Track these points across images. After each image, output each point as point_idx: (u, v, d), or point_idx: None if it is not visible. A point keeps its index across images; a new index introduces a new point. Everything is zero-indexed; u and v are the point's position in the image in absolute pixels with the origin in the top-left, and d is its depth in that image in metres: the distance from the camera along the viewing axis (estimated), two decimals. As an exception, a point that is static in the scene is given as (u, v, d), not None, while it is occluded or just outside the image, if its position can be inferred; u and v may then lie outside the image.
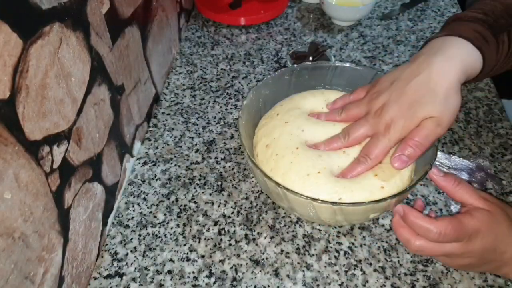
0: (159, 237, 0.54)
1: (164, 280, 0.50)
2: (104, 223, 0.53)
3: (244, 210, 0.56)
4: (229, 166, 0.62)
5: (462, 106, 0.70)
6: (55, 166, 0.40)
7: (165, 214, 0.56)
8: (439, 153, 0.60)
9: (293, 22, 0.91)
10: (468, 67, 0.47)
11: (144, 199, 0.58)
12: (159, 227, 0.55)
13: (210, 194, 0.58)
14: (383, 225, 0.55)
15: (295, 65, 0.60)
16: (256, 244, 0.53)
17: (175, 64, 0.80)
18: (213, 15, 0.89)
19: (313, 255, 0.52)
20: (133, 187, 0.59)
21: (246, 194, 0.58)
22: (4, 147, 0.32)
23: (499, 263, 0.44)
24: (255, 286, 0.49)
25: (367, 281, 0.49)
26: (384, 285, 0.49)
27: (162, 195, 0.58)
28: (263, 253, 0.52)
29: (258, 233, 0.54)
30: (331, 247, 0.52)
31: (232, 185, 0.59)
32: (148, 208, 0.57)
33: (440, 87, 0.45)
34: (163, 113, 0.70)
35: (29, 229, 0.36)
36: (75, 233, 0.45)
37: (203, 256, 0.52)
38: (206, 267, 0.51)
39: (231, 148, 0.64)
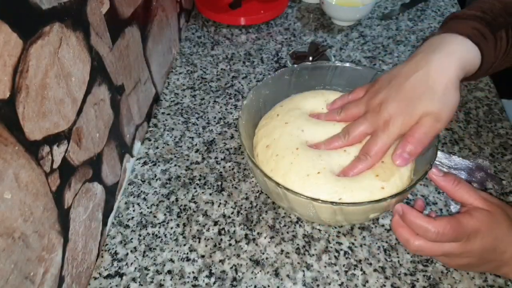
0: (159, 237, 0.54)
1: (164, 280, 0.50)
2: (104, 223, 0.53)
3: (244, 210, 0.56)
4: (229, 166, 0.62)
5: (462, 106, 0.71)
6: (55, 166, 0.40)
7: (165, 214, 0.56)
8: (439, 153, 0.60)
9: (293, 22, 0.91)
10: (467, 64, 0.47)
11: (144, 199, 0.58)
12: (159, 227, 0.55)
13: (210, 194, 0.58)
14: (383, 225, 0.55)
15: (295, 65, 0.60)
16: (256, 244, 0.53)
17: (175, 64, 0.80)
18: (213, 15, 0.89)
19: (313, 255, 0.52)
20: (133, 187, 0.59)
21: (246, 194, 0.58)
22: (4, 147, 0.32)
23: (499, 263, 0.44)
24: (255, 286, 0.49)
25: (367, 281, 0.49)
26: (384, 285, 0.49)
27: (162, 195, 0.58)
28: (263, 253, 0.52)
29: (258, 233, 0.54)
30: (331, 247, 0.52)
31: (232, 185, 0.59)
32: (148, 208, 0.57)
33: (439, 84, 0.45)
34: (163, 113, 0.70)
35: (29, 229, 0.36)
36: (75, 233, 0.45)
37: (203, 256, 0.52)
38: (206, 267, 0.51)
39: (231, 148, 0.64)
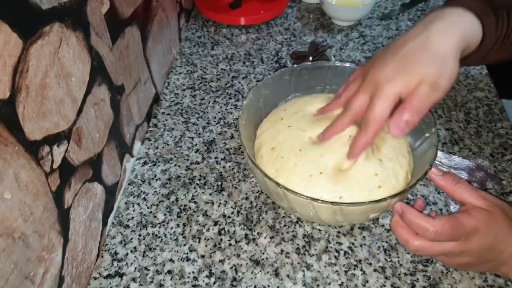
0: (159, 237, 0.54)
1: (164, 280, 0.50)
2: (104, 223, 0.53)
3: (244, 210, 0.56)
4: (229, 166, 0.62)
5: (462, 106, 0.71)
6: (55, 166, 0.40)
7: (165, 214, 0.56)
8: (439, 153, 0.60)
9: (293, 22, 0.91)
10: (468, 36, 0.46)
11: (144, 199, 0.58)
12: (159, 227, 0.55)
13: (210, 194, 0.58)
14: (383, 225, 0.55)
15: (295, 65, 0.60)
16: (256, 244, 0.53)
17: (175, 64, 0.80)
18: (213, 15, 0.89)
19: (313, 255, 0.52)
20: (133, 187, 0.59)
21: (246, 194, 0.58)
22: (4, 147, 0.32)
23: (498, 262, 0.44)
24: (255, 286, 0.49)
25: (367, 281, 0.49)
26: (384, 285, 0.49)
27: (162, 195, 0.58)
28: (263, 253, 0.52)
29: (258, 233, 0.54)
30: (331, 247, 0.52)
31: (232, 185, 0.59)
32: (148, 208, 0.57)
33: (439, 50, 0.43)
34: (163, 113, 0.70)
35: (29, 229, 0.36)
36: (75, 233, 0.45)
37: (203, 256, 0.52)
38: (206, 267, 0.51)
39: (231, 148, 0.64)
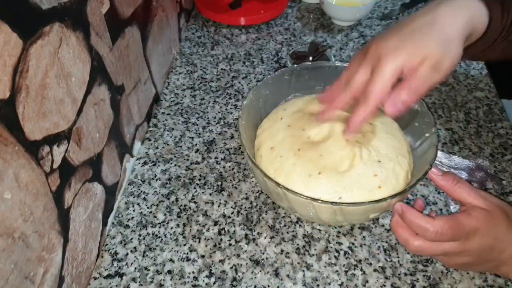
0: (159, 237, 0.54)
1: (164, 280, 0.50)
2: (104, 223, 0.53)
3: (244, 210, 0.56)
4: (229, 166, 0.62)
5: (462, 106, 0.71)
6: (55, 166, 0.40)
7: (165, 214, 0.56)
8: (439, 153, 0.60)
9: (293, 22, 0.91)
10: (475, 21, 0.45)
11: (144, 199, 0.58)
12: (159, 227, 0.55)
13: (210, 194, 0.58)
14: (383, 225, 0.55)
15: (295, 65, 0.60)
16: (256, 244, 0.53)
17: (175, 64, 0.80)
18: (213, 15, 0.89)
19: (313, 255, 0.52)
20: (133, 187, 0.59)
21: (246, 194, 0.58)
22: (4, 147, 0.32)
23: (498, 263, 0.44)
24: (255, 286, 0.49)
25: (367, 281, 0.49)
26: (384, 285, 0.49)
27: (162, 195, 0.58)
28: (263, 253, 0.52)
29: (258, 233, 0.54)
30: (331, 247, 0.52)
31: (232, 185, 0.59)
32: (148, 208, 0.57)
33: (445, 31, 0.43)
34: (163, 113, 0.70)
35: (29, 229, 0.36)
36: (75, 233, 0.45)
37: (203, 256, 0.52)
38: (206, 267, 0.51)
39: (231, 148, 0.64)
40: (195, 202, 0.57)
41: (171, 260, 0.51)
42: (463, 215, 0.43)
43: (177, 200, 0.58)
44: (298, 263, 0.51)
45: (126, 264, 0.51)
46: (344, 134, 0.51)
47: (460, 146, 0.64)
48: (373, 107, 0.44)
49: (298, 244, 0.53)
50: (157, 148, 0.65)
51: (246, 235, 0.54)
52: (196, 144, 0.65)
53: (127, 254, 0.52)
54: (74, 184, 0.44)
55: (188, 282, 0.49)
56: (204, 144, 0.65)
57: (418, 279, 0.49)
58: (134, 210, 0.57)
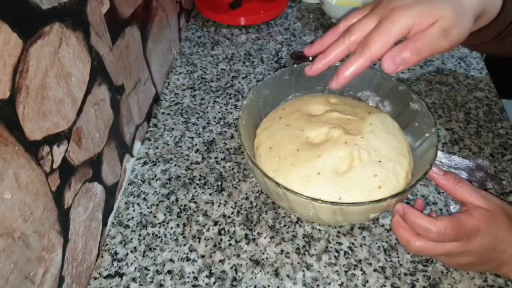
0: (159, 237, 0.54)
1: (164, 280, 0.50)
2: (104, 223, 0.53)
3: (244, 210, 0.56)
4: (229, 166, 0.62)
5: (462, 106, 0.71)
6: (55, 166, 0.40)
7: (165, 214, 0.56)
8: (439, 153, 0.60)
9: (293, 22, 0.91)
10: (489, 1, 0.44)
11: (144, 199, 0.58)
12: (159, 227, 0.55)
13: (210, 194, 0.58)
14: (383, 225, 0.55)
15: (295, 65, 0.60)
16: (256, 244, 0.53)
17: (175, 64, 0.80)
18: (213, 15, 0.89)
19: (313, 255, 0.52)
20: (133, 187, 0.59)
21: (246, 194, 0.58)
22: (4, 147, 0.32)
23: (499, 263, 0.44)
24: (255, 286, 0.49)
25: (367, 281, 0.49)
26: (384, 285, 0.49)
27: (162, 195, 0.58)
28: (263, 253, 0.52)
29: (258, 233, 0.54)
30: (331, 247, 0.52)
31: (232, 185, 0.59)
32: (148, 208, 0.57)
33: (460, 1, 0.41)
34: (163, 113, 0.70)
35: (29, 229, 0.36)
36: (75, 233, 0.45)
37: (203, 256, 0.52)
38: (206, 267, 0.51)
39: (231, 148, 0.64)
40: (195, 202, 0.57)
41: (171, 260, 0.51)
42: (465, 215, 0.43)
43: (177, 200, 0.58)
44: (298, 263, 0.51)
45: (126, 264, 0.51)
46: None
47: (460, 146, 0.64)
48: (369, 58, 0.40)
49: (298, 244, 0.53)
50: (157, 148, 0.65)
51: (246, 235, 0.54)
52: (196, 144, 0.65)
53: (127, 254, 0.52)
54: (74, 184, 0.44)
55: (188, 282, 0.49)
56: (204, 144, 0.65)
57: (418, 279, 0.49)
58: (134, 210, 0.57)
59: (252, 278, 0.50)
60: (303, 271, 0.50)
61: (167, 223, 0.55)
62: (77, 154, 0.44)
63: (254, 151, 0.55)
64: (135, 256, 0.52)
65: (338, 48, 0.42)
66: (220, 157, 0.63)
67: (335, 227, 0.54)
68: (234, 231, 0.54)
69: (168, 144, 0.65)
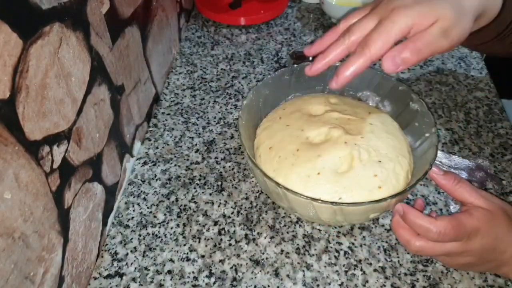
0: (159, 237, 0.54)
1: (164, 280, 0.50)
2: (104, 223, 0.53)
3: (244, 210, 0.56)
4: (229, 166, 0.62)
5: (462, 106, 0.71)
6: (55, 166, 0.40)
7: (165, 214, 0.56)
8: (439, 153, 0.60)
9: (293, 22, 0.91)
10: (489, 1, 0.44)
11: (144, 199, 0.58)
12: (159, 227, 0.55)
13: (210, 194, 0.58)
14: (383, 225, 0.55)
15: (295, 65, 0.60)
16: (256, 244, 0.53)
17: (175, 64, 0.80)
18: (213, 15, 0.89)
19: (313, 255, 0.52)
20: (133, 187, 0.59)
21: (246, 194, 0.58)
22: (4, 147, 0.32)
23: (499, 263, 0.44)
24: (255, 286, 0.49)
25: (367, 281, 0.49)
26: (384, 285, 0.49)
27: (162, 195, 0.58)
28: (263, 253, 0.52)
29: (258, 233, 0.54)
30: (331, 247, 0.52)
31: (232, 185, 0.59)
32: (148, 208, 0.57)
33: (462, 2, 0.41)
34: (163, 113, 0.70)
35: (29, 229, 0.36)
36: (75, 233, 0.45)
37: (203, 256, 0.52)
38: (206, 267, 0.51)
39: (231, 148, 0.64)
40: (195, 202, 0.57)
41: (171, 260, 0.51)
42: (465, 215, 0.42)
43: (177, 200, 0.58)
44: (298, 263, 0.51)
45: (126, 264, 0.51)
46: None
47: (460, 146, 0.64)
48: (369, 58, 0.40)
49: (298, 244, 0.53)
50: (157, 148, 0.65)
51: (246, 235, 0.54)
52: (196, 144, 0.65)
53: (127, 254, 0.52)
54: (74, 184, 0.44)
55: (188, 282, 0.49)
56: (204, 144, 0.65)
57: (418, 279, 0.49)
58: (134, 210, 0.57)
59: (252, 278, 0.50)
60: (303, 271, 0.50)
61: (167, 223, 0.55)
62: (77, 154, 0.44)
63: (254, 151, 0.55)
64: (135, 256, 0.52)
65: (338, 48, 0.42)
66: (220, 157, 0.63)
67: (335, 227, 0.54)
68: (234, 231, 0.54)
69: (168, 144, 0.65)
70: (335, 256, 0.52)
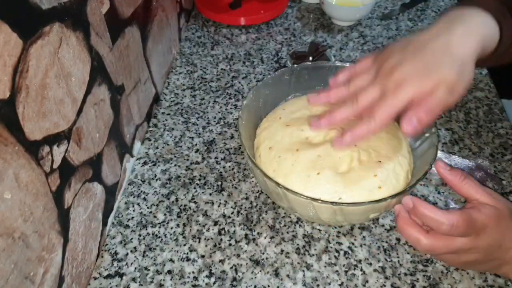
0: (159, 237, 0.54)
1: (164, 280, 0.50)
2: (104, 223, 0.53)
3: (244, 210, 0.56)
4: (229, 166, 0.62)
5: (462, 106, 0.71)
6: (55, 166, 0.40)
7: (165, 214, 0.56)
8: (439, 153, 0.60)
9: (293, 22, 0.91)
10: (486, 40, 0.45)
11: (144, 199, 0.58)
12: (159, 227, 0.55)
13: (210, 194, 0.58)
14: (383, 225, 0.55)
15: (295, 65, 0.60)
16: (256, 244, 0.53)
17: (175, 64, 0.80)
18: (213, 15, 0.89)
19: (313, 255, 0.52)
20: (133, 187, 0.59)
21: (246, 194, 0.58)
22: (4, 147, 0.32)
23: (501, 261, 0.44)
24: (255, 286, 0.49)
25: (367, 281, 0.49)
26: (384, 285, 0.49)
27: (162, 195, 0.58)
28: (263, 253, 0.52)
29: (258, 233, 0.54)
30: (331, 247, 0.52)
31: (232, 185, 0.59)
32: (148, 208, 0.57)
33: (459, 54, 0.43)
34: (163, 113, 0.70)
35: (29, 229, 0.36)
36: (75, 233, 0.45)
37: (203, 256, 0.52)
38: (206, 267, 0.51)
39: (231, 148, 0.64)
40: (195, 202, 0.57)
41: (171, 260, 0.51)
42: (474, 211, 0.42)
43: (177, 200, 0.58)
44: (298, 263, 0.51)
45: (126, 264, 0.51)
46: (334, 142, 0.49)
47: (460, 146, 0.64)
48: (377, 127, 0.44)
49: (298, 244, 0.53)
50: (157, 148, 0.65)
51: (246, 235, 0.54)
52: (196, 144, 0.65)
53: (127, 254, 0.52)
54: (74, 184, 0.44)
55: (188, 282, 0.49)
56: (204, 144, 0.65)
57: (418, 279, 0.49)
58: (134, 210, 0.57)
59: (252, 278, 0.50)
60: (303, 271, 0.50)
61: (167, 223, 0.55)
62: (77, 154, 0.44)
63: (254, 151, 0.55)
64: (135, 256, 0.52)
65: (344, 114, 0.47)
66: (220, 157, 0.63)
67: (335, 227, 0.54)
68: (234, 231, 0.54)
69: (168, 144, 0.65)
70: (335, 256, 0.52)
